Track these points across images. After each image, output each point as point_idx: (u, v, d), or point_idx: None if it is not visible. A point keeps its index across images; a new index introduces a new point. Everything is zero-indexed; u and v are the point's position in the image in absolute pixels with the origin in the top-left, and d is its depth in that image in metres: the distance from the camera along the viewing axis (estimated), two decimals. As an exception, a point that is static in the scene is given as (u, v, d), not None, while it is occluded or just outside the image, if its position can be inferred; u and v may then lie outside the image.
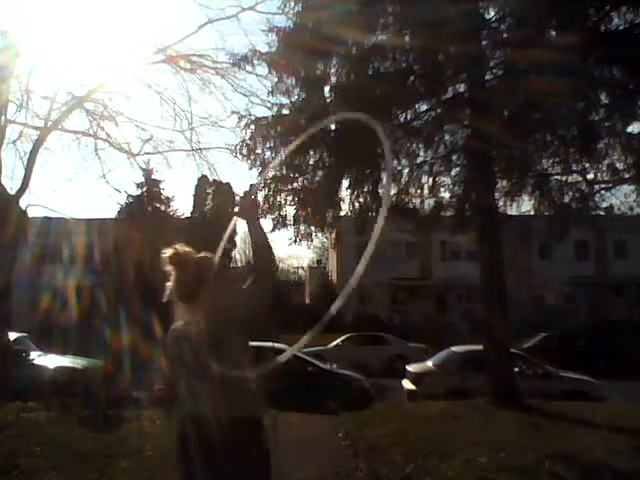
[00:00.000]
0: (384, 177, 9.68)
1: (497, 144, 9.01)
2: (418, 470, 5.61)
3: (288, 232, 10.49)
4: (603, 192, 10.12)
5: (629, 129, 9.29)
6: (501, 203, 10.25)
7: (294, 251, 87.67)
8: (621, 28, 8.06)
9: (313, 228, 10.59)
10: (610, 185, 9.95)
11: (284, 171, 10.05)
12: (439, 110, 9.75)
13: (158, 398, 9.10)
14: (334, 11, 8.56)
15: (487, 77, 9.39)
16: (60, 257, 28.95)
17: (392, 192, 10.24)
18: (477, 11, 8.64)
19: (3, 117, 10.65)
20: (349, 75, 9.13)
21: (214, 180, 20.52)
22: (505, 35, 8.70)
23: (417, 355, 16.73)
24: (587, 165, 9.65)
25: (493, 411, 8.75)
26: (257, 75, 10.81)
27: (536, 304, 29.32)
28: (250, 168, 10.12)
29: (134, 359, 12.63)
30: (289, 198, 10.27)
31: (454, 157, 10.27)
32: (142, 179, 29.60)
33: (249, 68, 10.40)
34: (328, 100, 9.58)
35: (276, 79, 9.81)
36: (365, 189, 9.98)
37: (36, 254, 26.10)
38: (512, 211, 10.78)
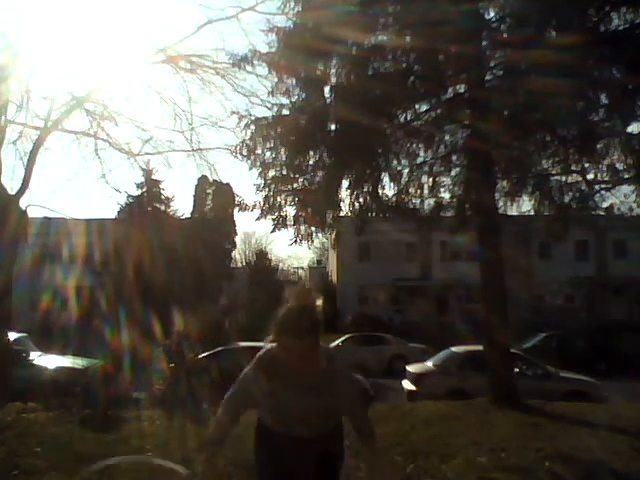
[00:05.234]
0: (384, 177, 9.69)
1: (497, 144, 9.00)
2: (418, 470, 5.61)
3: (288, 232, 10.51)
4: (603, 192, 10.11)
5: (629, 129, 9.28)
6: (501, 203, 10.25)
7: (294, 251, 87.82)
8: (621, 28, 8.05)
9: (313, 228, 10.59)
10: (610, 185, 9.95)
11: (284, 171, 10.05)
12: (439, 110, 9.74)
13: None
14: (334, 11, 8.55)
15: (487, 77, 9.38)
16: (60, 257, 28.95)
17: (392, 192, 10.27)
18: (477, 11, 8.62)
19: (3, 117, 10.66)
20: (349, 75, 9.11)
21: (214, 180, 20.53)
22: (505, 35, 8.67)
23: (417, 355, 16.74)
24: (587, 165, 9.64)
25: (493, 411, 8.75)
26: (257, 75, 10.82)
27: (536, 304, 29.32)
28: (250, 168, 10.12)
29: (134, 359, 12.63)
30: (289, 199, 10.27)
31: (454, 157, 10.26)
32: (142, 179, 29.63)
33: (249, 68, 10.40)
34: (328, 100, 9.57)
35: (276, 79, 9.80)
36: (365, 189, 9.97)
37: (36, 254, 26.09)
38: (512, 211, 10.78)
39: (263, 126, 9.86)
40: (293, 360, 2.44)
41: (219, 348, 13.13)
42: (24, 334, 12.82)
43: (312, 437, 2.63)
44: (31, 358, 11.59)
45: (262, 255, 45.22)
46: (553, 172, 9.97)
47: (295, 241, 10.59)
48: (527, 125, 8.75)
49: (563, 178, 10.06)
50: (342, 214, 10.69)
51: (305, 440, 2.62)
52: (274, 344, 2.53)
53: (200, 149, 12.23)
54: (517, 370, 10.91)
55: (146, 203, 31.42)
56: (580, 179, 9.94)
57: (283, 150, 9.85)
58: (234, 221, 37.28)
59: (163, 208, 32.29)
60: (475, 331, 14.21)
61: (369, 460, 2.73)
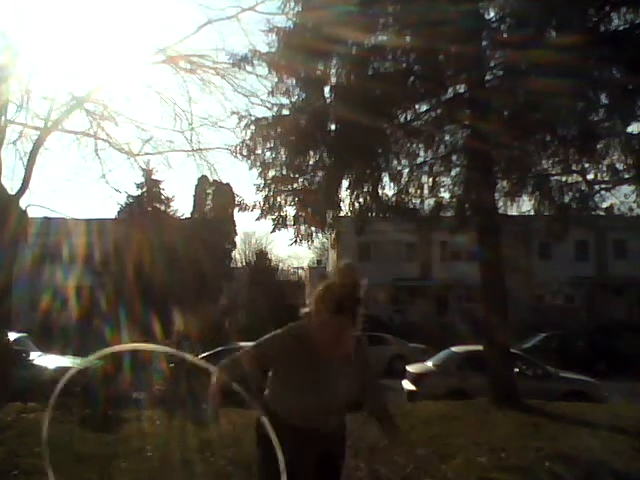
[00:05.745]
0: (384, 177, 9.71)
1: (497, 144, 9.01)
2: (418, 470, 5.61)
3: (288, 232, 10.52)
4: (603, 192, 10.12)
5: (629, 129, 9.30)
6: (501, 203, 10.25)
7: (294, 251, 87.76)
8: (621, 28, 8.06)
9: (313, 228, 10.59)
10: (610, 185, 9.95)
11: (284, 171, 10.05)
12: (439, 110, 9.74)
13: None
14: (334, 11, 8.56)
15: (487, 77, 9.38)
16: (60, 257, 28.92)
17: (392, 192, 10.27)
18: (477, 11, 8.62)
19: (3, 117, 10.67)
20: (349, 75, 9.12)
21: (214, 180, 20.53)
22: (505, 35, 8.68)
23: (417, 355, 16.71)
24: (587, 165, 9.64)
25: (493, 411, 8.75)
26: (257, 75, 10.85)
27: (536, 304, 29.29)
28: (250, 168, 10.14)
29: (134, 359, 12.62)
30: (289, 199, 10.27)
31: (454, 157, 10.26)
32: (142, 179, 29.60)
33: (249, 68, 10.43)
34: (328, 100, 9.58)
35: (276, 79, 9.81)
36: (365, 189, 9.97)
37: (36, 254, 26.08)
38: (512, 211, 10.78)
39: (263, 126, 9.87)
40: (326, 337, 2.38)
41: (219, 348, 13.12)
42: (24, 334, 12.82)
43: (313, 436, 2.63)
44: (31, 358, 11.58)
45: (262, 255, 45.19)
46: (553, 172, 9.97)
47: (295, 241, 10.60)
48: (527, 125, 8.75)
49: (563, 178, 10.06)
50: (342, 214, 10.69)
51: (306, 439, 2.61)
52: (306, 320, 2.48)
53: (200, 149, 12.28)
54: (517, 370, 10.90)
55: (146, 203, 31.41)
56: (580, 179, 9.94)
57: (283, 150, 9.85)
58: (234, 221, 37.25)
59: (163, 208, 32.27)
60: (475, 331, 14.22)
61: (387, 426, 2.71)
